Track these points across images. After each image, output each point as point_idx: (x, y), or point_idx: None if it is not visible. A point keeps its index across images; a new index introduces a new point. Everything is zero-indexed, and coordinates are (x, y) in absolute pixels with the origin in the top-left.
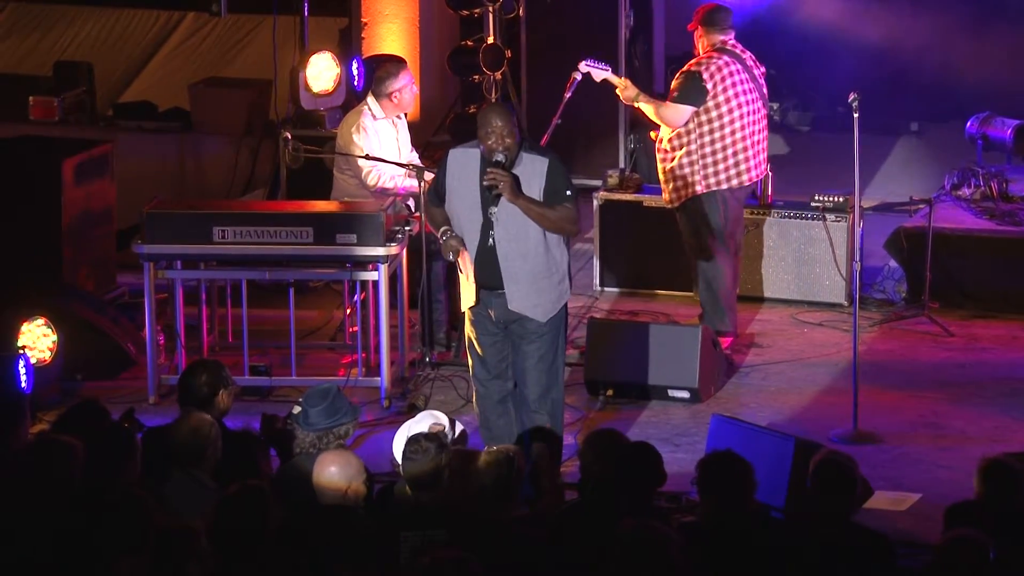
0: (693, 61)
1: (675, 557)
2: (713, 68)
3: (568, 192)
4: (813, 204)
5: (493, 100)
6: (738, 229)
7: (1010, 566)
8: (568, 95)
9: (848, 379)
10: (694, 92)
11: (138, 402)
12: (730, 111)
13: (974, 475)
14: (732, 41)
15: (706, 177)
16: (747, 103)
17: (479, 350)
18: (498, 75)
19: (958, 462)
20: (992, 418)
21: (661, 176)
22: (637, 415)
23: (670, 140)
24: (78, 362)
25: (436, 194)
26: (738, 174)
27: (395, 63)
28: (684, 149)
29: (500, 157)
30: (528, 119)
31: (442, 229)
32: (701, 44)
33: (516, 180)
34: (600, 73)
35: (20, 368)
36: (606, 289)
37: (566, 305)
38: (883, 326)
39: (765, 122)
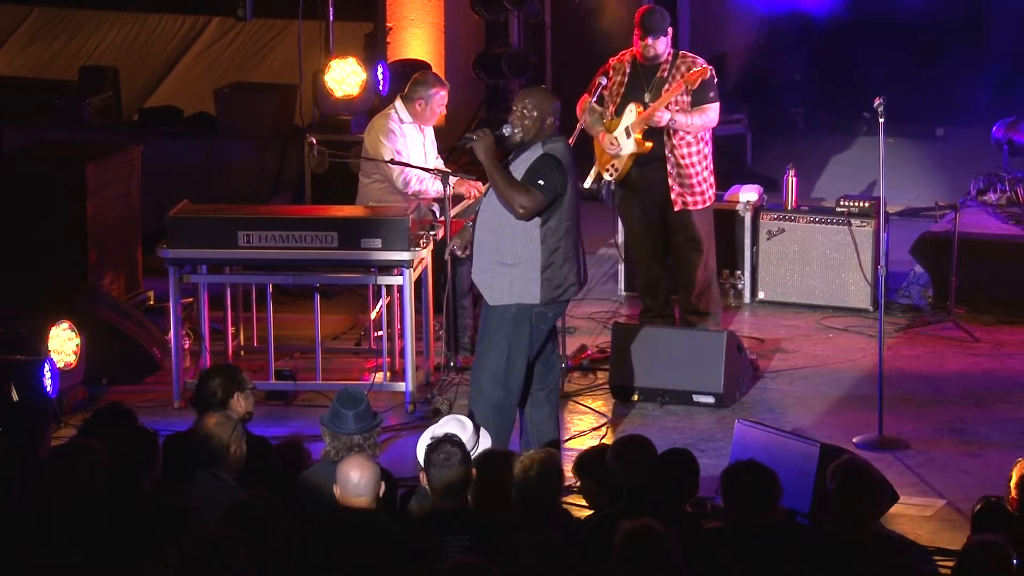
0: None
1: (675, 556)
2: None
3: (540, 181)
4: (839, 209)
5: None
6: None
7: None
8: (593, 100)
9: (873, 385)
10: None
11: (163, 406)
12: None
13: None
14: None
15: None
16: None
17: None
18: None
19: (983, 468)
20: (1018, 424)
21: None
22: (662, 420)
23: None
24: (103, 366)
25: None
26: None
27: (435, 75)
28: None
29: (507, 130)
30: None
31: None
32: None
33: (494, 143)
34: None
35: (45, 372)
36: (631, 294)
37: (527, 314)
38: (908, 331)
39: None
